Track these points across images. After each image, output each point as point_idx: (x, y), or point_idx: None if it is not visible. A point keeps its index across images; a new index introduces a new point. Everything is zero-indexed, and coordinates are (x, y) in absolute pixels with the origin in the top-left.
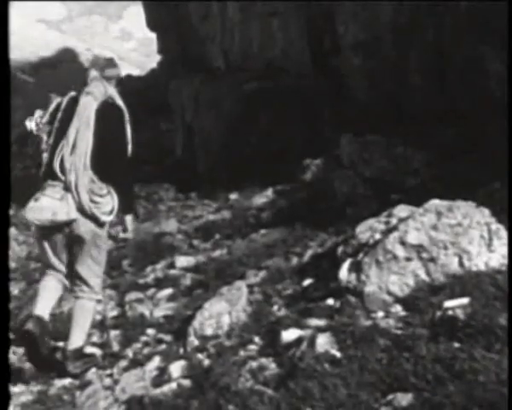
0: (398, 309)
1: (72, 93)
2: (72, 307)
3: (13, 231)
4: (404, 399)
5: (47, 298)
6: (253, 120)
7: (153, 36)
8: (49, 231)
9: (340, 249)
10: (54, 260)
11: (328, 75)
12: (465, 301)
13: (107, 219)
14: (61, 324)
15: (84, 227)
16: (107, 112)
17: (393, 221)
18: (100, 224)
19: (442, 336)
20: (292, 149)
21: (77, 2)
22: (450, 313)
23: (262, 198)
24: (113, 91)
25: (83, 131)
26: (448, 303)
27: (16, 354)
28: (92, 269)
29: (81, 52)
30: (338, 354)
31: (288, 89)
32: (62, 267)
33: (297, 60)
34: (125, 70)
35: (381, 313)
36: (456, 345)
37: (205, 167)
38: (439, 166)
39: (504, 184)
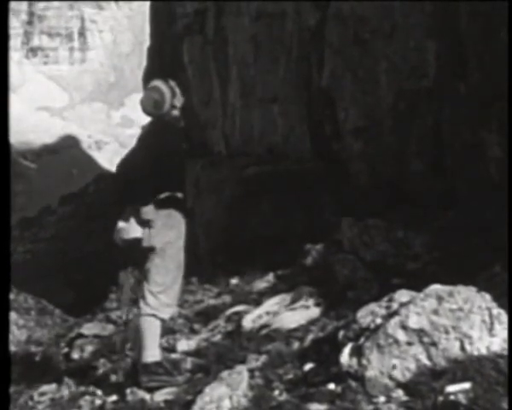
0: (399, 394)
1: None
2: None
3: (13, 315)
4: None
5: (152, 340)
6: (253, 204)
7: None
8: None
9: (341, 334)
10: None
11: (329, 160)
12: (467, 385)
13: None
14: None
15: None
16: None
17: (394, 306)
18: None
19: None
20: (292, 233)
21: (79, 90)
22: (452, 397)
23: (263, 283)
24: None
25: None
26: (450, 388)
27: None
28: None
29: (82, 139)
30: None
31: (288, 173)
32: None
33: (297, 145)
34: None
35: (382, 398)
36: None
37: (205, 252)
38: (440, 250)
39: (504, 268)
